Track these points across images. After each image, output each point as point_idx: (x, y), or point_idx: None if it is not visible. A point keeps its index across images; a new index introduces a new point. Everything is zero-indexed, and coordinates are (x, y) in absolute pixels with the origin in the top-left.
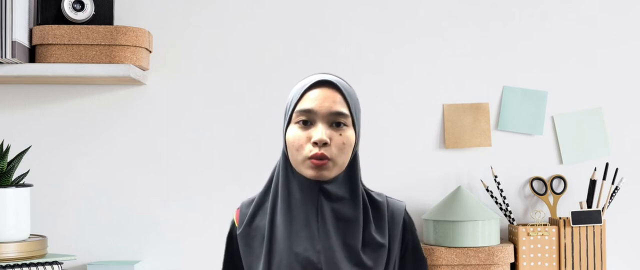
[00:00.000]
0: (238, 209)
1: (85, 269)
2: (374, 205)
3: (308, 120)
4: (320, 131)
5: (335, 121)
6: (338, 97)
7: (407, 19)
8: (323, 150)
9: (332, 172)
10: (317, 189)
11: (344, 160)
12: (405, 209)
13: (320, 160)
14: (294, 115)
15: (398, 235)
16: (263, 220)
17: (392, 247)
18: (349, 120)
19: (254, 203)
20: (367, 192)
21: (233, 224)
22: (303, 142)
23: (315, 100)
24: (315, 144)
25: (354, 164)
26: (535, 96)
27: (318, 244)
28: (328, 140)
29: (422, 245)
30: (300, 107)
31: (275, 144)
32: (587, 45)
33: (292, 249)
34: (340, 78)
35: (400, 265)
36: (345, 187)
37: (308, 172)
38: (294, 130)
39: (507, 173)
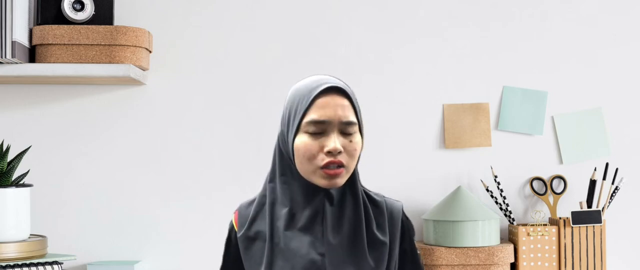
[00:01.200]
0: (236, 211)
1: (85, 269)
2: (374, 205)
3: (320, 131)
4: (334, 141)
5: (346, 130)
6: (347, 103)
7: (407, 19)
8: (338, 158)
9: (343, 180)
10: (320, 193)
11: (354, 166)
12: (402, 209)
13: (335, 170)
14: (303, 124)
15: (397, 233)
16: (263, 223)
17: (392, 246)
18: (356, 127)
19: (254, 205)
20: (366, 192)
21: (232, 227)
22: (315, 152)
23: (327, 109)
24: (329, 153)
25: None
26: (535, 96)
27: (321, 246)
28: (342, 150)
29: (422, 245)
30: (311, 117)
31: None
32: (587, 45)
33: (296, 251)
34: (340, 80)
35: (399, 266)
36: (347, 189)
37: (321, 182)
38: (304, 140)
39: (507, 173)
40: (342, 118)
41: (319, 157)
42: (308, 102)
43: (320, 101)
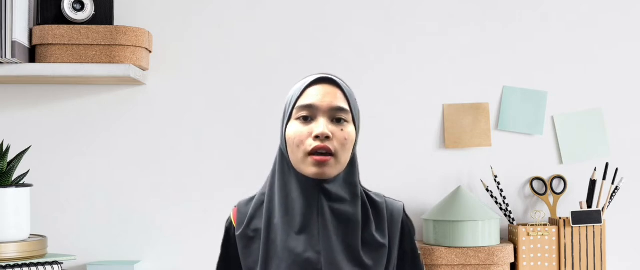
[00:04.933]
0: (235, 207)
1: (85, 269)
2: (374, 206)
3: (309, 115)
4: (322, 125)
5: (336, 116)
6: (338, 93)
7: (407, 18)
8: (326, 143)
9: (334, 170)
10: (317, 189)
11: (346, 158)
12: (404, 209)
13: (322, 156)
14: (294, 111)
15: (397, 234)
16: (262, 221)
17: (392, 247)
18: (349, 116)
19: (253, 203)
20: (366, 193)
21: (230, 224)
22: (304, 137)
23: (316, 95)
24: (317, 137)
25: (353, 164)
26: (535, 96)
27: (318, 244)
28: (330, 135)
29: (422, 245)
30: (301, 102)
31: (275, 144)
32: (587, 45)
33: (291, 250)
34: (339, 79)
35: (399, 266)
36: (345, 187)
37: (310, 170)
38: (295, 126)
39: (507, 173)
40: (331, 104)
41: (307, 143)
42: (300, 91)
43: (312, 89)
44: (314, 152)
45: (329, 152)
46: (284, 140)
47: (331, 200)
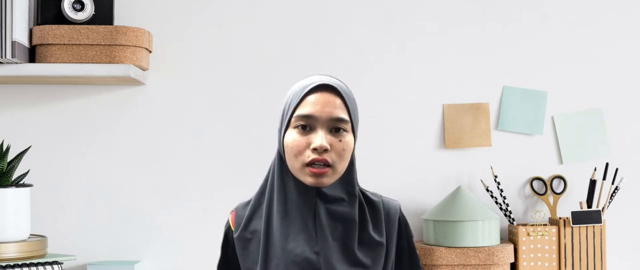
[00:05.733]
0: (233, 211)
1: (85, 269)
2: (371, 205)
3: (307, 125)
4: (320, 137)
5: (335, 127)
6: (338, 101)
7: (407, 18)
8: (324, 156)
9: (331, 179)
10: (314, 191)
11: (343, 166)
12: (400, 208)
13: (320, 169)
14: (293, 119)
15: (394, 233)
16: (260, 223)
17: (389, 246)
18: (348, 126)
19: (250, 205)
20: (363, 192)
21: (229, 227)
22: (302, 148)
23: (315, 104)
24: (315, 150)
25: (350, 166)
26: (535, 96)
27: (316, 245)
28: (328, 147)
29: (422, 245)
30: (300, 111)
31: (275, 144)
32: (587, 45)
33: (290, 251)
34: (339, 80)
35: (397, 264)
36: (342, 189)
37: (307, 179)
38: (293, 135)
39: (507, 173)
40: (331, 114)
41: (305, 154)
42: (299, 98)
43: (311, 97)
44: (311, 164)
45: (326, 164)
46: (282, 146)
47: (327, 202)
